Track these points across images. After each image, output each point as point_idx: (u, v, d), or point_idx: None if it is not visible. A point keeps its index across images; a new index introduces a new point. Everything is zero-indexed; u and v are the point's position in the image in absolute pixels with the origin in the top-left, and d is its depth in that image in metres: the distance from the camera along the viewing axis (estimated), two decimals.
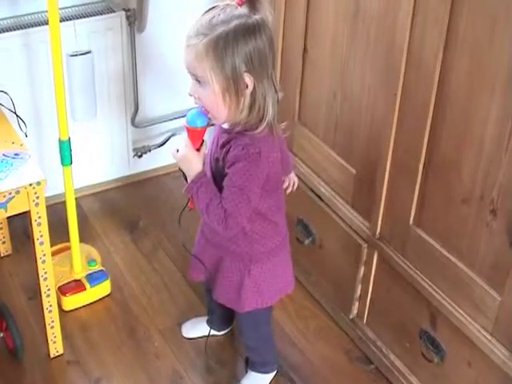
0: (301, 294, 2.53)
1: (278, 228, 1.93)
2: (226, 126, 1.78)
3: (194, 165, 1.77)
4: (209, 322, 2.36)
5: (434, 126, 1.85)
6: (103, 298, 2.51)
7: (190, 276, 2.11)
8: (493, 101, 1.65)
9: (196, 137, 1.77)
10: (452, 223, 1.87)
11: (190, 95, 1.73)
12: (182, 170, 1.82)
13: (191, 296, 2.55)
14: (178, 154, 1.78)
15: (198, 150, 1.78)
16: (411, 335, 2.12)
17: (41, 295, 2.15)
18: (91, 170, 2.87)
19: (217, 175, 1.80)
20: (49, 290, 2.14)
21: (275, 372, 2.26)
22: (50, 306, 2.17)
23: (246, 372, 2.25)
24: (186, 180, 1.81)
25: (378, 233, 2.15)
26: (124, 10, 2.65)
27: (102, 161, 2.91)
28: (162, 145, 3.05)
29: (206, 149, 1.83)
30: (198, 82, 1.69)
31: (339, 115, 2.21)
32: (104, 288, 2.50)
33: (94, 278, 2.48)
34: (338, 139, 2.25)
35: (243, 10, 1.66)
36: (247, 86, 1.67)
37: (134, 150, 2.98)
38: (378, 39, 1.96)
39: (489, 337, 1.82)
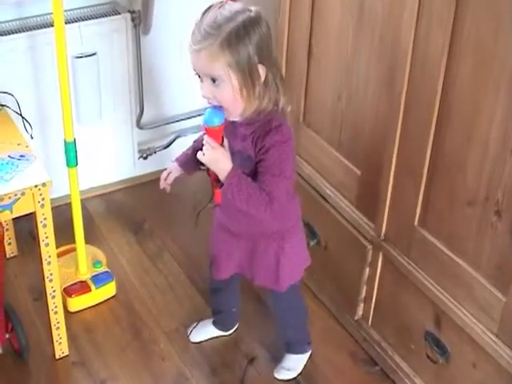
0: (306, 295, 2.50)
1: (295, 200, 2.01)
2: (237, 119, 1.81)
3: (224, 163, 1.79)
4: (215, 323, 2.38)
5: (439, 127, 1.84)
6: (108, 299, 2.51)
7: (217, 276, 2.13)
8: (497, 102, 1.65)
9: (217, 135, 1.79)
10: (457, 224, 1.87)
11: (205, 97, 1.76)
12: (204, 168, 1.84)
13: (196, 297, 2.55)
14: (206, 157, 1.80)
15: (221, 145, 1.81)
16: (416, 336, 2.12)
17: (46, 296, 2.15)
18: (96, 172, 2.87)
19: (244, 164, 1.83)
20: (54, 291, 2.15)
21: (310, 353, 2.32)
22: (56, 307, 2.18)
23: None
24: (216, 181, 1.84)
25: (382, 234, 2.15)
26: (129, 12, 2.66)
27: (108, 162, 2.91)
28: (167, 146, 3.05)
29: (227, 143, 1.84)
30: (213, 81, 1.72)
31: (344, 116, 2.21)
32: (109, 289, 2.51)
33: (99, 280, 2.48)
34: (343, 140, 2.25)
35: (238, 4, 1.72)
36: (260, 76, 1.73)
37: (140, 151, 2.99)
38: (383, 40, 1.96)
39: (494, 338, 1.82)
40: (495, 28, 1.61)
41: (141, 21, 2.69)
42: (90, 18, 2.58)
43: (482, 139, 1.72)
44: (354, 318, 2.37)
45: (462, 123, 1.77)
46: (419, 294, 2.05)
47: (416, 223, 2.01)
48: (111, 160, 2.91)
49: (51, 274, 2.11)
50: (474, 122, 1.73)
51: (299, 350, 2.31)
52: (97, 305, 2.49)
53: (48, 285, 2.13)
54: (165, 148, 3.05)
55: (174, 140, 3.06)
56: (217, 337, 2.38)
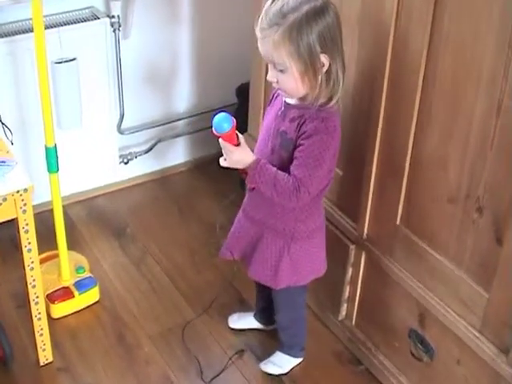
0: None
1: (320, 209, 2.03)
2: (292, 101, 1.87)
3: (247, 159, 1.85)
4: (255, 316, 2.42)
5: (420, 126, 1.86)
6: (92, 304, 2.51)
7: (221, 254, 2.16)
8: (477, 99, 1.67)
9: (230, 138, 1.84)
10: (439, 222, 1.89)
11: (269, 81, 1.83)
12: (238, 169, 1.90)
13: (180, 301, 2.55)
14: (228, 162, 1.87)
15: (238, 144, 1.86)
16: (400, 335, 2.13)
17: (29, 303, 2.14)
18: (77, 178, 2.86)
19: (283, 146, 1.87)
20: (37, 297, 2.14)
21: (301, 359, 2.33)
22: (39, 313, 2.17)
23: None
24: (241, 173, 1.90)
25: (365, 234, 2.16)
26: (108, 16, 2.65)
27: (88, 168, 2.90)
28: (148, 151, 3.05)
29: (243, 138, 1.89)
30: (276, 68, 1.78)
31: None
32: (93, 295, 2.50)
33: (82, 285, 2.48)
34: None
35: None
36: (323, 65, 1.76)
37: (121, 156, 2.99)
38: (363, 40, 1.98)
39: (477, 334, 1.83)
40: (474, 26, 1.63)
41: (120, 25, 2.68)
42: (69, 23, 2.57)
43: (462, 137, 1.74)
44: (338, 318, 2.38)
45: (442, 121, 1.79)
46: (403, 293, 2.07)
47: (398, 222, 2.02)
48: (92, 165, 2.90)
49: (34, 280, 2.10)
50: (455, 120, 1.75)
51: (290, 353, 2.31)
52: (80, 310, 2.48)
53: (31, 291, 2.11)
54: (146, 153, 3.05)
55: (154, 145, 3.06)
56: (256, 329, 2.43)
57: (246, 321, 2.45)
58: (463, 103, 1.71)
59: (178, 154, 3.19)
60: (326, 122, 1.81)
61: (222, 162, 1.88)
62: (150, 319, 2.48)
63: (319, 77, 1.77)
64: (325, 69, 1.77)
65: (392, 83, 1.91)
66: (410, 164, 1.93)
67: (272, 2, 1.76)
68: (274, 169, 1.85)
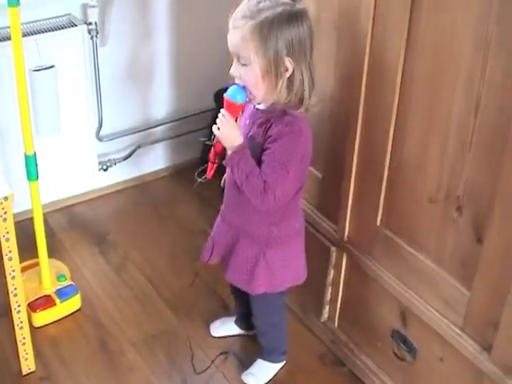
0: None
1: (297, 215, 2.03)
2: (261, 106, 1.88)
3: (237, 137, 1.85)
4: (236, 322, 2.42)
5: (399, 128, 1.88)
6: (74, 312, 2.49)
7: (202, 257, 2.15)
8: (454, 101, 1.69)
9: (234, 111, 1.85)
10: (419, 222, 1.90)
11: (232, 75, 1.83)
12: (212, 145, 1.90)
13: (162, 307, 2.55)
14: (221, 130, 1.85)
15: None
16: (383, 335, 2.14)
17: (11, 312, 2.13)
18: (57, 185, 2.84)
19: (252, 151, 1.86)
20: (19, 306, 2.12)
21: (283, 363, 2.32)
22: (21, 322, 2.15)
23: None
24: (218, 155, 1.90)
25: (346, 235, 2.18)
26: (86, 23, 2.65)
27: (68, 175, 2.88)
28: (127, 158, 3.05)
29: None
30: (240, 62, 1.79)
31: None
32: (74, 303, 2.49)
33: (63, 293, 2.47)
34: None
35: None
36: (287, 70, 1.77)
37: (100, 163, 2.98)
38: (341, 44, 1.99)
39: (459, 332, 1.85)
40: (451, 27, 1.64)
41: (98, 32, 2.68)
42: (46, 31, 2.56)
43: (441, 137, 1.76)
44: (321, 320, 2.39)
45: (420, 122, 1.81)
46: (384, 293, 2.08)
47: (378, 223, 2.04)
48: (71, 173, 2.89)
49: (15, 289, 2.09)
50: (433, 121, 1.77)
51: (270, 358, 2.30)
52: (62, 319, 2.47)
53: (13, 300, 2.10)
54: (125, 159, 3.05)
55: (133, 151, 3.06)
56: (237, 335, 2.43)
57: (227, 327, 2.45)
58: (441, 104, 1.73)
59: (157, 159, 3.19)
60: (291, 126, 1.82)
61: (215, 129, 1.86)
62: (133, 326, 2.48)
63: (280, 80, 1.77)
64: (288, 74, 1.77)
65: (370, 86, 1.92)
66: (389, 165, 1.94)
67: None
68: (254, 163, 1.84)
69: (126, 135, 3.02)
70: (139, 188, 3.13)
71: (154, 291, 2.62)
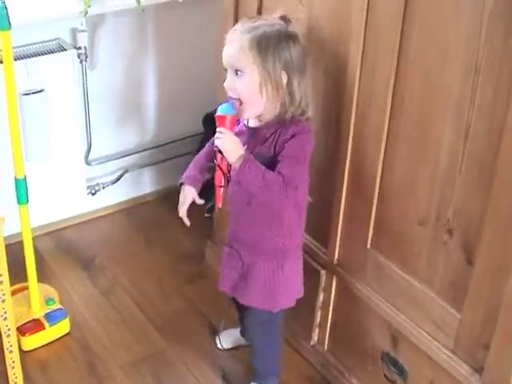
0: None
1: (301, 220, 2.04)
2: (254, 124, 1.92)
3: (240, 147, 1.86)
4: (241, 333, 2.42)
5: (389, 151, 1.90)
6: (63, 336, 2.49)
7: (220, 287, 2.13)
8: (445, 124, 1.71)
9: (229, 125, 1.87)
10: (409, 245, 1.92)
11: (226, 88, 1.85)
12: (216, 167, 1.89)
13: (151, 331, 2.55)
14: (223, 143, 1.85)
15: None
16: (373, 358, 2.15)
17: (1, 335, 2.11)
18: (45, 209, 2.83)
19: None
20: (9, 329, 2.11)
21: None
22: (11, 346, 2.14)
23: None
24: (225, 174, 1.88)
25: (335, 258, 2.19)
26: (75, 48, 2.66)
27: (56, 199, 2.88)
28: (115, 182, 3.05)
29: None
30: (236, 73, 1.82)
31: None
32: (63, 326, 2.48)
33: (52, 317, 2.46)
34: None
35: (281, 21, 1.86)
36: (283, 82, 1.82)
37: (88, 187, 2.98)
38: (330, 71, 2.02)
39: (450, 354, 1.86)
40: (441, 52, 1.67)
41: (87, 57, 2.70)
42: (36, 55, 2.58)
43: (431, 161, 1.78)
44: (310, 344, 2.40)
45: (411, 146, 1.83)
46: (374, 316, 2.09)
47: (369, 246, 2.05)
48: (60, 197, 2.88)
49: (5, 313, 2.07)
50: (423, 145, 1.79)
51: (263, 381, 2.30)
52: (51, 342, 2.46)
53: (2, 323, 2.09)
54: (113, 183, 3.05)
55: (121, 175, 3.07)
56: (246, 345, 2.42)
57: (234, 338, 2.45)
58: (431, 128, 1.76)
59: (145, 184, 3.20)
60: (301, 125, 1.87)
61: (217, 142, 1.86)
62: (121, 349, 2.47)
63: (279, 91, 1.83)
64: (284, 86, 1.83)
65: (360, 110, 1.95)
66: (379, 188, 1.96)
67: (247, 20, 1.86)
68: (262, 166, 1.85)
69: (114, 159, 3.02)
70: (127, 212, 3.13)
71: (142, 314, 2.61)
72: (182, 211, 2.05)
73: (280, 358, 2.31)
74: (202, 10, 2.91)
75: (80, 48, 2.68)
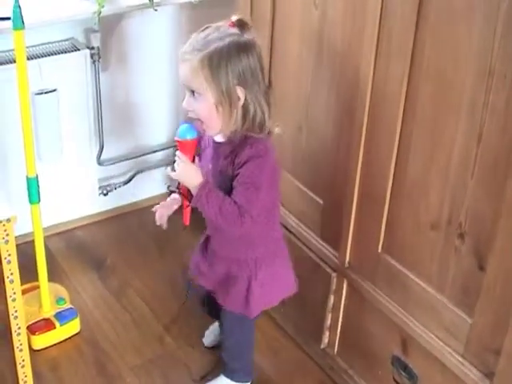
0: (270, 325, 2.54)
1: (275, 227, 2.05)
2: (220, 139, 1.89)
3: (196, 176, 1.86)
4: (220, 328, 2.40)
5: (401, 154, 1.89)
6: (73, 336, 2.49)
7: (200, 282, 2.16)
8: (458, 127, 1.70)
9: (189, 150, 1.86)
10: (421, 249, 1.91)
11: (185, 108, 1.84)
12: (177, 191, 1.92)
13: (161, 332, 2.54)
14: (177, 172, 1.86)
15: (192, 162, 1.88)
16: (383, 362, 2.14)
17: (11, 334, 2.12)
18: (57, 209, 2.85)
19: (223, 186, 1.88)
20: (19, 328, 2.11)
21: None
22: (21, 344, 2.14)
23: None
24: (186, 197, 1.90)
25: (347, 262, 2.18)
26: (88, 48, 2.67)
27: (68, 200, 2.89)
28: (127, 182, 3.06)
29: (199, 162, 1.91)
30: (192, 94, 1.80)
31: (305, 148, 2.25)
32: (74, 326, 2.49)
33: (63, 317, 2.46)
34: (305, 171, 2.28)
35: (235, 30, 1.80)
36: (239, 99, 1.78)
37: (100, 188, 2.98)
38: (343, 71, 2.01)
39: (460, 359, 1.85)
40: (454, 54, 1.66)
41: (100, 57, 2.70)
42: (49, 55, 2.59)
43: (443, 164, 1.77)
44: (320, 347, 2.38)
45: (423, 149, 1.82)
46: (385, 320, 2.08)
47: (380, 249, 2.04)
48: (72, 197, 2.89)
49: (16, 311, 2.08)
50: (436, 148, 1.78)
51: (232, 376, 2.28)
52: (61, 342, 2.46)
53: (13, 322, 2.09)
54: (125, 184, 3.06)
55: (133, 176, 3.07)
56: None
57: (216, 334, 2.44)
58: (444, 132, 1.74)
59: (157, 184, 3.19)
60: (256, 147, 1.83)
61: (171, 173, 1.88)
62: (131, 350, 2.47)
63: (234, 110, 1.80)
64: (241, 103, 1.80)
65: (373, 112, 1.94)
66: (391, 192, 1.95)
67: (199, 32, 1.82)
68: (221, 193, 1.85)
69: (126, 160, 3.03)
70: (138, 213, 3.13)
71: (153, 316, 2.61)
72: (161, 212, 2.09)
73: (253, 356, 2.29)
74: (218, 11, 2.87)
75: (93, 48, 2.68)
